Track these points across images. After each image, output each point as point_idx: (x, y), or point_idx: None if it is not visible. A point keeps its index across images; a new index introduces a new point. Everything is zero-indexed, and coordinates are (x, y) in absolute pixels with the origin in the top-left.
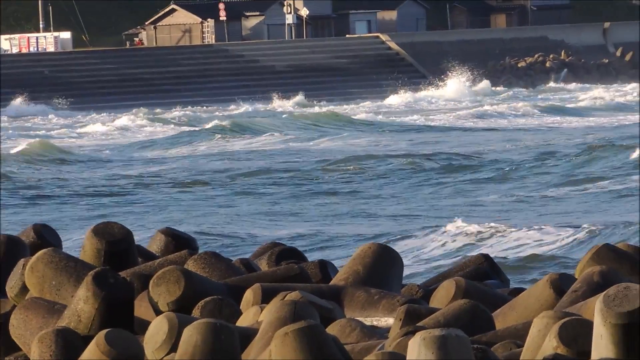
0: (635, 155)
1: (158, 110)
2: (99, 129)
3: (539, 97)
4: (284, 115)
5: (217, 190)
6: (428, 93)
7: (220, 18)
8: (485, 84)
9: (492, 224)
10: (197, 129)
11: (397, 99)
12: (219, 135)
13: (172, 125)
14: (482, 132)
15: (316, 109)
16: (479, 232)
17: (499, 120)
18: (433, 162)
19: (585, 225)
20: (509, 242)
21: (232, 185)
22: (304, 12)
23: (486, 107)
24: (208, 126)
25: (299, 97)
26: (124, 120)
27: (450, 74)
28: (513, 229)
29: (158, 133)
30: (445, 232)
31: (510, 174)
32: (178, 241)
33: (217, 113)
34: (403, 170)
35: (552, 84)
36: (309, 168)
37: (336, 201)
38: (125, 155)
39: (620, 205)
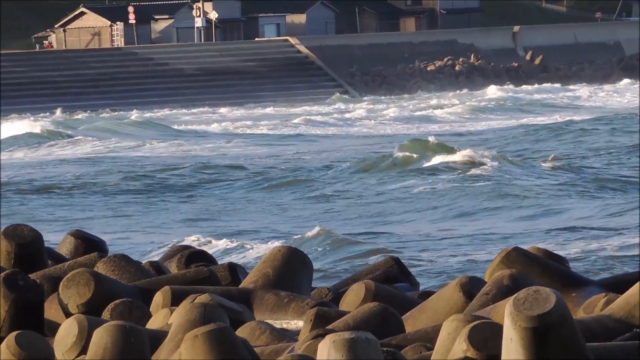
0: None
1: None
2: None
3: (415, 103)
4: (125, 120)
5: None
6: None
7: (130, 21)
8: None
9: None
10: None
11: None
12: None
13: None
14: (281, 140)
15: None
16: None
17: (327, 127)
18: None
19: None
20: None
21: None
22: (213, 15)
23: (334, 116)
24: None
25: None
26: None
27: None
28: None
29: None
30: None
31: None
32: (88, 244)
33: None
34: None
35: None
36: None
37: None
38: None
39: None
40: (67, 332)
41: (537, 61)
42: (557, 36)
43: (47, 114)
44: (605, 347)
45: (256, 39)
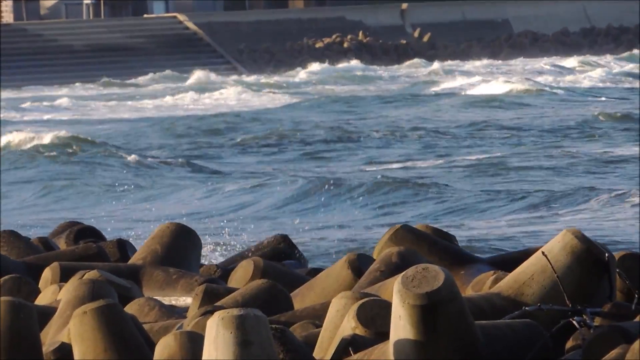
0: None
1: None
2: None
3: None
4: None
5: None
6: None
7: None
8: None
9: None
10: None
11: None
12: None
13: None
14: None
15: None
16: None
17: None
18: None
19: None
20: None
21: None
22: None
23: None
24: None
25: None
26: None
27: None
28: None
29: None
30: None
31: None
32: None
33: None
34: None
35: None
36: None
37: None
38: None
39: None
40: None
41: (425, 38)
42: (446, 13)
43: None
44: (493, 325)
45: (144, 15)
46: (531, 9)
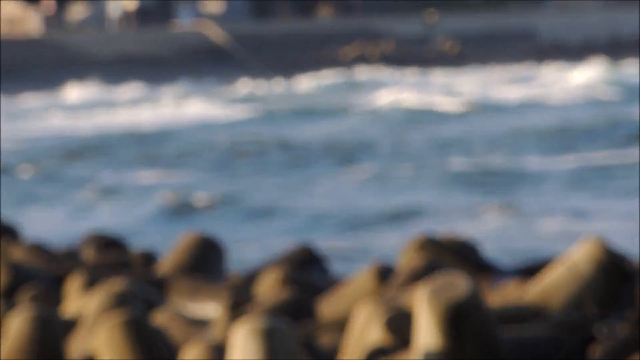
0: None
1: None
2: None
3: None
4: None
5: None
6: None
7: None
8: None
9: None
10: None
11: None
12: None
13: None
14: None
15: None
16: None
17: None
18: None
19: None
20: None
21: None
22: (130, 3)
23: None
24: None
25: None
26: None
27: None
28: None
29: None
30: None
31: None
32: (2, 228)
33: None
34: None
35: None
36: None
37: None
38: None
39: None
40: None
41: (453, 47)
42: (473, 23)
43: None
44: (518, 334)
45: (172, 26)
46: (558, 18)
